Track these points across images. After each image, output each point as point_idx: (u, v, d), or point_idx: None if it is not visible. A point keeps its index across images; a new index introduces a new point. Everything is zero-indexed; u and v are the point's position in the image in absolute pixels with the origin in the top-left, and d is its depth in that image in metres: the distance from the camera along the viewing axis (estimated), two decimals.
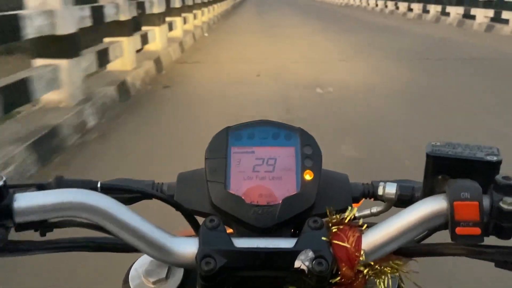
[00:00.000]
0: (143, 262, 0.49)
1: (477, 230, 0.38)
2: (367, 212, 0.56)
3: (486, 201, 0.39)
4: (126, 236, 0.42)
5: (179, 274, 0.48)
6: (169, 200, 0.50)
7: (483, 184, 0.40)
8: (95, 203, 0.41)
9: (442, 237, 0.45)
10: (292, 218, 0.47)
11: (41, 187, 0.44)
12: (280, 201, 0.47)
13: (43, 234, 0.44)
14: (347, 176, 0.54)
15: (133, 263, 0.49)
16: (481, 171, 0.41)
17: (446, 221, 0.40)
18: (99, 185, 0.47)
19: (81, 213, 0.41)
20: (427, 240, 0.48)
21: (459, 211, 0.38)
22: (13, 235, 0.42)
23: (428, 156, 0.43)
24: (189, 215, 0.51)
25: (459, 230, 0.38)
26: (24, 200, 0.40)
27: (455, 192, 0.39)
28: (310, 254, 0.41)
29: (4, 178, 0.39)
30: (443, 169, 0.42)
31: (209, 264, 0.40)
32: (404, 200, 0.49)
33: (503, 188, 0.39)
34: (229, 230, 0.45)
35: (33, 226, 0.42)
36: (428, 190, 0.44)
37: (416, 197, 0.48)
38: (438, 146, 0.43)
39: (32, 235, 0.43)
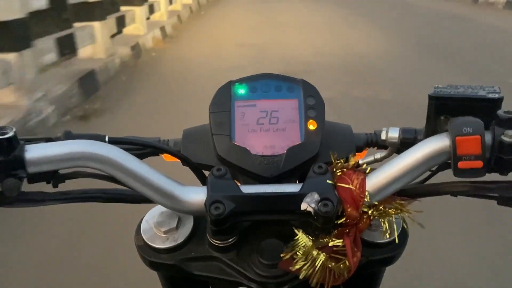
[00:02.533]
0: (153, 214, 0.50)
1: (479, 163, 0.39)
2: (371, 158, 0.56)
3: (488, 136, 0.40)
4: (136, 186, 0.43)
5: (189, 224, 0.49)
6: (176, 154, 0.51)
7: (486, 121, 0.40)
8: (105, 153, 0.42)
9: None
10: (297, 167, 0.47)
11: (49, 140, 0.45)
12: (285, 151, 0.47)
13: (55, 185, 0.45)
14: (351, 126, 0.55)
15: (144, 216, 0.51)
16: (483, 109, 0.41)
17: (449, 158, 0.41)
18: (106, 138, 0.48)
19: (91, 163, 0.42)
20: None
21: (461, 145, 0.39)
22: (26, 188, 0.43)
23: (430, 97, 0.43)
24: (196, 168, 0.52)
25: (461, 164, 0.39)
26: (35, 151, 0.41)
27: (457, 127, 0.40)
28: (316, 196, 0.42)
29: (14, 130, 0.40)
30: (445, 110, 0.43)
31: (218, 209, 0.41)
32: (407, 144, 0.50)
33: (505, 122, 0.40)
34: (237, 183, 0.46)
35: (45, 177, 0.43)
36: (431, 132, 0.44)
37: (419, 140, 0.49)
38: (440, 88, 0.44)
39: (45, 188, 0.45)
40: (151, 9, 6.64)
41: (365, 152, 0.56)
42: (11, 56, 2.82)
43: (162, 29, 6.62)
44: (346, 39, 6.29)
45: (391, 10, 9.39)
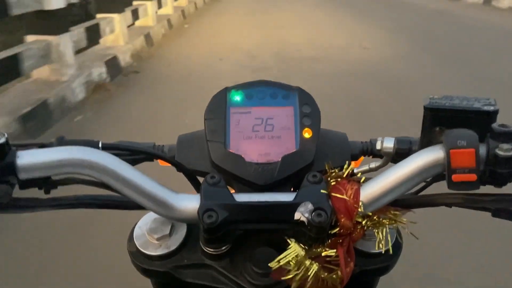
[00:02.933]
0: (146, 220, 0.50)
1: (473, 177, 0.39)
2: (365, 167, 0.56)
3: (482, 149, 0.40)
4: (129, 193, 0.43)
5: (182, 231, 0.49)
6: (171, 160, 0.51)
7: (480, 133, 0.40)
8: (97, 160, 0.42)
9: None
10: (291, 175, 0.47)
11: (42, 146, 0.45)
12: (280, 159, 0.47)
13: (47, 191, 0.45)
14: (346, 134, 0.55)
15: (137, 222, 0.50)
16: (478, 121, 0.41)
17: (443, 170, 0.41)
18: (100, 145, 0.47)
19: (84, 170, 0.42)
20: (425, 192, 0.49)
21: (456, 158, 0.39)
22: (19, 194, 0.42)
23: (425, 108, 0.43)
24: (191, 175, 0.52)
25: (455, 177, 0.39)
26: (27, 157, 0.41)
27: (452, 140, 0.39)
28: (310, 206, 0.41)
29: (5, 135, 0.40)
30: (440, 121, 0.43)
31: (211, 217, 0.41)
32: (401, 154, 0.50)
33: (499, 135, 0.40)
34: (231, 190, 0.46)
35: (37, 184, 0.43)
36: (426, 143, 0.44)
37: (414, 150, 0.49)
38: (435, 99, 0.44)
39: (36, 194, 0.44)
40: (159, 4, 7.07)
41: (360, 160, 0.56)
42: (52, 38, 3.38)
43: (169, 21, 7.16)
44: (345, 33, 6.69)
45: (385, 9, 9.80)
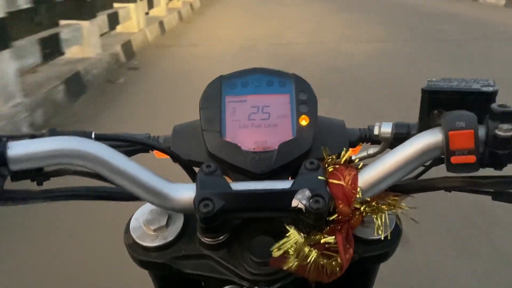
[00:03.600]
0: (143, 212, 0.49)
1: (472, 158, 0.38)
2: (363, 154, 0.56)
3: (481, 130, 0.39)
4: (124, 183, 0.42)
5: (179, 221, 0.48)
6: (166, 150, 0.50)
7: (480, 114, 0.40)
8: (90, 150, 0.41)
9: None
10: (288, 163, 0.47)
11: (33, 137, 0.44)
12: (277, 147, 0.47)
13: (40, 183, 0.44)
14: (344, 121, 0.54)
15: (133, 214, 0.50)
16: (477, 102, 0.41)
17: (442, 153, 0.40)
18: (93, 135, 0.47)
19: (77, 161, 0.41)
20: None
21: (454, 140, 0.38)
22: (10, 186, 0.42)
23: (423, 91, 0.42)
24: (187, 165, 0.51)
25: (454, 159, 0.38)
26: (18, 148, 0.40)
27: (450, 122, 0.39)
28: (307, 193, 0.41)
29: None
30: (438, 103, 0.42)
31: (207, 206, 0.40)
32: (400, 139, 0.49)
33: (499, 116, 0.39)
34: (228, 180, 0.45)
35: (29, 175, 0.42)
36: (424, 126, 0.43)
37: (412, 134, 0.48)
38: (434, 82, 0.43)
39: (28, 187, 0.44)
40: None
41: (359, 147, 0.56)
42: (84, 23, 4.19)
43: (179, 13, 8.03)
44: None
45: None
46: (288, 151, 0.47)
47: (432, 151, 0.41)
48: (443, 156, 0.40)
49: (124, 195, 0.46)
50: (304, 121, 0.48)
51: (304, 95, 0.49)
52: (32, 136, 0.44)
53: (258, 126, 0.48)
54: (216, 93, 0.49)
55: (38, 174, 0.43)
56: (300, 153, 0.47)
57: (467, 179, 0.42)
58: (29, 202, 0.43)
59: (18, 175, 0.41)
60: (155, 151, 0.54)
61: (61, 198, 0.44)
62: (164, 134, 0.55)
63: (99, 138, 0.46)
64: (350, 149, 0.52)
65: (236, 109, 0.49)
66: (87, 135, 0.46)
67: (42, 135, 0.45)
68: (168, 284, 0.55)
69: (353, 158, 0.47)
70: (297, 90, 0.50)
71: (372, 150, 0.55)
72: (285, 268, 0.41)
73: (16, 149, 0.40)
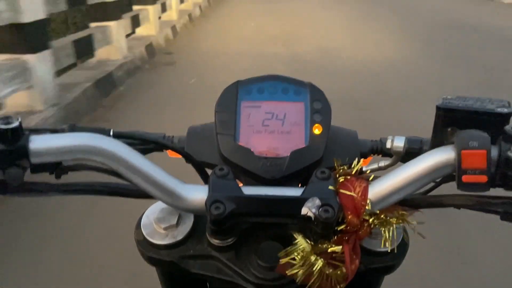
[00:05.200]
0: (154, 210, 0.50)
1: (483, 178, 0.38)
2: (374, 166, 0.56)
3: (494, 151, 0.39)
4: (138, 181, 0.43)
5: (189, 221, 0.49)
6: (180, 151, 0.51)
7: (493, 135, 0.40)
8: (108, 147, 0.42)
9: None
10: (299, 170, 0.47)
11: (54, 132, 0.45)
12: (289, 154, 0.47)
13: (58, 176, 0.45)
14: (356, 132, 0.55)
15: (145, 211, 0.51)
16: (491, 123, 0.41)
17: (453, 171, 0.40)
18: (111, 133, 0.48)
19: (95, 157, 0.42)
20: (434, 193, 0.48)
21: (467, 159, 0.39)
22: (30, 178, 0.43)
23: (438, 108, 0.43)
24: (199, 167, 0.52)
25: (465, 178, 0.39)
26: (39, 142, 0.41)
27: (464, 141, 0.39)
28: (317, 201, 0.41)
29: (19, 119, 0.40)
30: (453, 122, 0.42)
31: (218, 208, 0.41)
32: (412, 153, 0.49)
33: None
34: (239, 184, 0.46)
35: (48, 168, 0.44)
36: (437, 143, 0.44)
37: (424, 150, 0.48)
38: (448, 99, 0.43)
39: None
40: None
41: (369, 159, 0.56)
42: (112, 23, 4.38)
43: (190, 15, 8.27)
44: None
45: None
46: (300, 158, 0.47)
47: (443, 168, 0.41)
48: (454, 174, 0.41)
49: (138, 193, 0.47)
50: (317, 130, 0.49)
51: (318, 104, 0.50)
52: (53, 131, 0.45)
53: (271, 132, 0.49)
54: (232, 98, 0.50)
55: (57, 167, 0.44)
56: (311, 161, 0.48)
57: (476, 198, 0.42)
58: (47, 195, 0.44)
59: (38, 168, 0.42)
60: (168, 151, 0.55)
61: (78, 192, 0.45)
62: (178, 135, 0.56)
63: (116, 135, 0.47)
64: (361, 160, 0.53)
65: (250, 114, 0.50)
66: (105, 132, 0.47)
67: (62, 130, 0.46)
68: (174, 282, 0.56)
69: (364, 169, 0.48)
70: (312, 99, 0.50)
71: (383, 162, 0.55)
72: (290, 274, 0.42)
73: (38, 142, 0.41)
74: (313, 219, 0.41)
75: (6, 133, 0.40)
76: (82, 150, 0.42)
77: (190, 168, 0.53)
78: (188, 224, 0.49)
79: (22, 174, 0.40)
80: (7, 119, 0.40)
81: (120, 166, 0.43)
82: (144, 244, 0.49)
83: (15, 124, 0.40)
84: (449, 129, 0.43)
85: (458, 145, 0.39)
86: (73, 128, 0.47)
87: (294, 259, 0.42)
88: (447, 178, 0.43)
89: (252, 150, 0.48)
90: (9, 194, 0.42)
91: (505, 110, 0.41)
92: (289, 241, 0.43)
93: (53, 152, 0.41)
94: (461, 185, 0.39)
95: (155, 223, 0.49)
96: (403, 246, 0.48)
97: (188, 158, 0.51)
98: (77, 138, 0.42)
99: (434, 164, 0.41)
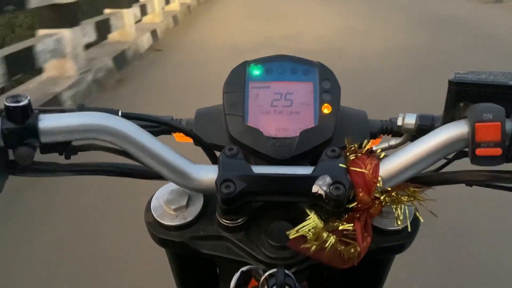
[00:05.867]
0: (164, 191, 0.50)
1: (497, 151, 0.38)
2: (385, 145, 0.56)
3: (508, 124, 0.39)
4: (148, 161, 0.43)
5: (199, 202, 0.49)
6: (189, 133, 0.51)
7: (507, 109, 0.39)
8: (119, 127, 0.42)
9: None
10: (309, 150, 0.47)
11: (63, 111, 0.45)
12: (298, 134, 0.47)
13: (67, 157, 0.45)
14: (366, 112, 0.54)
15: (154, 193, 0.51)
16: (505, 96, 0.40)
17: (467, 145, 0.40)
18: (120, 113, 0.47)
19: (105, 136, 0.42)
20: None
21: (481, 132, 0.38)
22: (39, 158, 0.43)
23: (450, 83, 0.42)
24: (208, 149, 0.52)
25: (479, 151, 0.38)
26: (49, 121, 0.41)
27: (477, 113, 0.38)
28: (328, 179, 0.41)
29: (28, 97, 0.40)
30: (465, 96, 0.42)
31: (228, 187, 0.41)
32: (423, 130, 0.49)
33: None
34: None
35: (58, 148, 0.43)
36: (449, 118, 0.43)
37: (436, 126, 0.48)
38: (461, 74, 0.43)
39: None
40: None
41: (379, 139, 0.56)
42: (124, 10, 5.06)
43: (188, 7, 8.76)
44: None
45: None
46: (309, 138, 0.47)
47: (456, 143, 0.40)
48: (466, 150, 0.40)
49: (147, 173, 0.47)
50: (326, 110, 0.48)
51: (327, 84, 0.49)
52: (62, 111, 0.45)
53: (280, 112, 0.49)
54: (240, 78, 0.50)
55: (66, 147, 0.44)
56: (321, 141, 0.47)
57: (489, 173, 0.41)
58: (58, 175, 0.44)
59: (47, 148, 0.42)
60: (175, 135, 0.54)
61: (87, 172, 0.45)
62: (186, 117, 0.55)
63: (125, 116, 0.47)
64: (372, 140, 0.52)
65: (259, 95, 0.49)
66: (114, 112, 0.47)
67: (71, 110, 0.46)
68: (183, 263, 0.56)
69: (374, 148, 0.47)
70: (321, 79, 0.50)
71: (393, 141, 0.55)
72: (302, 247, 0.42)
73: (47, 121, 0.41)
74: (324, 197, 0.41)
75: (16, 111, 0.39)
76: (92, 129, 0.42)
77: (197, 152, 0.53)
78: (198, 205, 0.49)
79: (32, 153, 0.40)
80: (16, 97, 0.40)
81: (130, 146, 0.42)
82: (154, 226, 0.49)
83: (25, 102, 0.40)
84: (461, 104, 0.42)
85: (472, 118, 0.39)
86: (82, 108, 0.46)
87: (306, 235, 0.41)
88: (459, 154, 0.43)
89: (261, 130, 0.47)
90: (19, 173, 0.42)
91: None
92: (300, 221, 0.43)
93: (63, 132, 0.41)
94: (475, 159, 0.38)
95: (165, 204, 0.49)
96: (414, 224, 0.48)
97: (197, 140, 0.51)
98: (87, 118, 0.42)
99: (446, 139, 0.40)
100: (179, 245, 0.48)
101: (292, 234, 0.42)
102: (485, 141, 0.38)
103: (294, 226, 0.43)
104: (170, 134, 0.55)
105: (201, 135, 0.51)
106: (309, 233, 0.41)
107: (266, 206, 0.48)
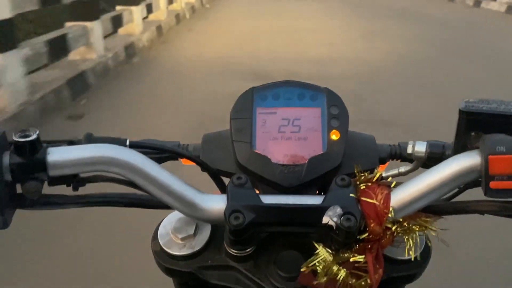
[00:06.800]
0: (171, 219, 0.49)
1: None
2: (395, 171, 0.55)
3: None
4: (156, 191, 0.43)
5: (206, 231, 0.48)
6: (196, 159, 0.50)
7: None
8: (126, 158, 0.42)
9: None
10: (318, 177, 0.46)
11: (71, 143, 0.45)
12: (306, 161, 0.46)
13: (75, 188, 0.45)
14: (374, 137, 0.54)
15: (161, 221, 0.50)
16: None
17: (479, 177, 0.39)
18: (127, 143, 0.47)
19: (112, 168, 0.42)
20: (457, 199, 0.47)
21: (494, 165, 0.37)
22: (47, 190, 0.43)
23: (461, 112, 0.42)
24: (215, 175, 0.51)
25: (493, 184, 0.37)
26: (57, 154, 0.41)
27: (490, 146, 0.38)
28: (338, 210, 0.40)
29: (37, 132, 0.40)
30: (476, 126, 0.41)
31: (237, 219, 0.40)
32: (434, 159, 0.48)
33: None
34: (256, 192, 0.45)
35: (66, 181, 0.43)
36: (460, 148, 0.43)
37: (447, 155, 0.47)
38: (471, 102, 0.42)
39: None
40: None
41: (387, 164, 0.55)
42: (133, 7, 5.71)
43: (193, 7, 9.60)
44: None
45: None
46: (318, 165, 0.47)
47: (469, 174, 0.40)
48: (479, 179, 0.40)
49: (155, 203, 0.46)
50: (335, 136, 0.48)
51: (335, 109, 0.49)
52: (70, 142, 0.45)
53: (288, 138, 0.48)
54: (247, 104, 0.50)
55: (74, 179, 0.44)
56: (330, 168, 0.47)
57: (503, 204, 0.41)
58: (66, 207, 0.44)
59: (55, 180, 0.42)
60: (182, 160, 0.54)
61: (95, 204, 0.45)
62: (193, 143, 0.55)
63: (133, 145, 0.47)
64: (381, 168, 0.52)
65: (266, 121, 0.49)
66: (121, 142, 0.47)
67: (79, 141, 0.46)
68: None
69: (384, 175, 0.47)
70: (328, 104, 0.49)
71: (403, 168, 0.54)
72: (314, 284, 0.41)
73: (56, 155, 0.41)
74: (334, 228, 0.40)
75: (24, 146, 0.39)
76: (100, 162, 0.41)
77: (203, 175, 0.52)
78: (205, 234, 0.48)
79: (40, 187, 0.40)
80: (24, 132, 0.40)
81: (137, 177, 0.42)
82: (161, 255, 0.48)
83: (33, 136, 0.40)
84: (472, 134, 0.41)
85: (485, 150, 0.38)
86: (89, 139, 0.46)
87: (315, 270, 0.41)
88: (471, 184, 0.42)
89: (269, 157, 0.47)
90: (28, 207, 0.42)
91: None
92: (309, 250, 0.42)
93: (71, 164, 0.41)
94: (489, 192, 0.38)
95: (172, 233, 0.48)
96: (426, 254, 0.47)
97: (204, 166, 0.50)
98: (95, 150, 0.42)
99: (459, 169, 0.40)
100: (187, 275, 0.48)
101: (304, 270, 0.41)
102: (499, 174, 0.37)
103: (304, 255, 0.42)
104: (177, 159, 0.54)
105: (208, 161, 0.51)
106: (319, 267, 0.40)
107: (275, 235, 0.47)
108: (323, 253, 0.41)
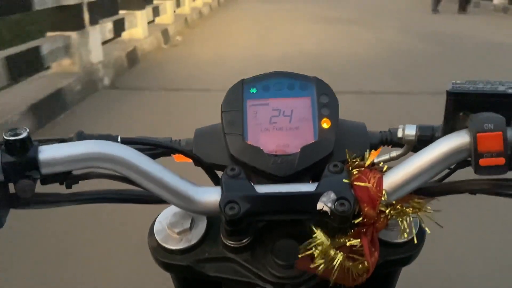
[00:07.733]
0: (166, 214, 0.49)
1: (501, 160, 0.38)
2: (386, 156, 0.56)
3: (510, 133, 0.39)
4: (150, 186, 0.43)
5: (202, 224, 0.49)
6: (189, 154, 0.50)
7: (507, 117, 0.39)
8: (118, 153, 0.42)
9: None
10: (311, 166, 0.47)
11: (63, 141, 0.45)
12: (299, 150, 0.47)
13: (69, 186, 0.45)
14: (365, 124, 0.54)
15: (157, 217, 0.50)
16: (504, 104, 0.40)
17: (469, 155, 0.40)
18: (119, 139, 0.47)
19: (105, 164, 0.42)
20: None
21: (483, 142, 0.38)
22: (40, 189, 0.42)
23: (448, 93, 0.42)
24: (209, 168, 0.51)
25: (482, 162, 0.38)
26: (48, 152, 0.41)
27: (478, 124, 0.39)
28: (332, 195, 0.41)
29: (27, 130, 0.40)
30: (464, 106, 0.42)
31: (233, 209, 0.41)
32: (424, 141, 0.49)
33: None
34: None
35: (59, 179, 0.43)
36: (449, 129, 0.43)
37: (437, 137, 0.48)
38: (458, 84, 0.43)
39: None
40: None
41: (379, 150, 0.56)
42: (137, 12, 5.82)
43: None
44: None
45: None
46: (310, 154, 0.47)
47: (458, 153, 0.40)
48: (469, 159, 0.40)
49: (150, 198, 0.46)
50: (325, 124, 0.48)
51: (325, 98, 0.49)
52: (61, 140, 0.45)
53: (279, 129, 0.48)
54: (237, 97, 0.50)
55: (67, 177, 0.44)
56: (322, 156, 0.47)
57: (492, 182, 0.42)
58: (59, 205, 0.43)
59: (48, 179, 0.42)
60: (175, 156, 0.54)
61: (89, 201, 0.45)
62: (185, 138, 0.55)
63: (124, 142, 0.47)
64: (372, 152, 0.52)
65: (257, 113, 0.49)
66: (113, 138, 0.47)
67: (70, 139, 0.46)
68: (189, 286, 0.56)
69: (375, 161, 0.47)
70: (318, 93, 0.50)
71: (395, 152, 0.55)
72: (312, 267, 0.41)
73: (48, 153, 0.40)
74: (329, 213, 0.40)
75: (15, 144, 0.39)
76: (92, 158, 0.41)
77: (198, 172, 0.52)
78: (201, 227, 0.48)
79: (33, 186, 0.40)
80: (15, 130, 0.40)
81: (131, 172, 0.42)
82: (158, 250, 0.48)
83: (24, 135, 0.39)
84: (460, 114, 0.42)
85: (473, 129, 0.39)
86: (81, 136, 0.46)
87: (313, 254, 0.41)
88: (462, 164, 0.43)
89: (262, 148, 0.47)
90: (21, 207, 0.42)
91: None
92: (305, 238, 0.43)
93: (63, 162, 0.41)
94: (479, 169, 0.39)
95: (168, 228, 0.48)
96: (420, 236, 0.48)
97: (197, 160, 0.50)
98: (86, 146, 0.42)
99: (448, 149, 0.41)
100: (184, 269, 0.48)
101: (301, 254, 0.41)
102: (487, 151, 0.38)
103: (300, 243, 0.43)
104: (170, 155, 0.54)
105: (201, 155, 0.51)
106: (316, 251, 0.41)
107: (271, 225, 0.48)
108: (320, 236, 0.41)
